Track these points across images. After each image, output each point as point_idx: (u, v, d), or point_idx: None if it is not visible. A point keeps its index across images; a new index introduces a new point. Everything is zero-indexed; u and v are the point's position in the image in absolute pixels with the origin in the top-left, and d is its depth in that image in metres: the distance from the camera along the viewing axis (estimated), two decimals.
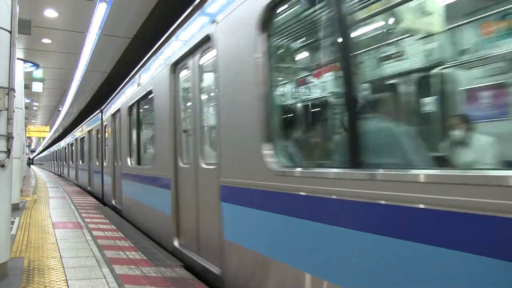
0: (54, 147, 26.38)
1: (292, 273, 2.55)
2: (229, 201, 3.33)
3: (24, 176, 18.74)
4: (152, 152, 6.05)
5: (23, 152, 17.87)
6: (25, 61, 10.76)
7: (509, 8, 2.96)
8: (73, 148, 19.75)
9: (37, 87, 12.87)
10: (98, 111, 11.59)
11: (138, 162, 7.04)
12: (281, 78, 3.25)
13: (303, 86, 3.31)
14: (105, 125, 10.45)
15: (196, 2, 4.05)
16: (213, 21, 3.55)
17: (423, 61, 3.30)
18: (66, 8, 7.47)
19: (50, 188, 16.21)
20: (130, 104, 7.28)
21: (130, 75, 7.35)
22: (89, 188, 13.82)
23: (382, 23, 3.14)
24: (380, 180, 1.92)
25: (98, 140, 11.75)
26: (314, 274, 2.37)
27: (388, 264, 1.86)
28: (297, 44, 3.15)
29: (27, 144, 37.15)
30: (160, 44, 5.38)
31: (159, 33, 5.43)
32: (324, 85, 3.19)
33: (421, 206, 1.71)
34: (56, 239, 5.63)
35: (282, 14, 2.83)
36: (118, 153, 8.55)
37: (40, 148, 64.69)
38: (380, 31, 3.19)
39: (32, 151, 69.67)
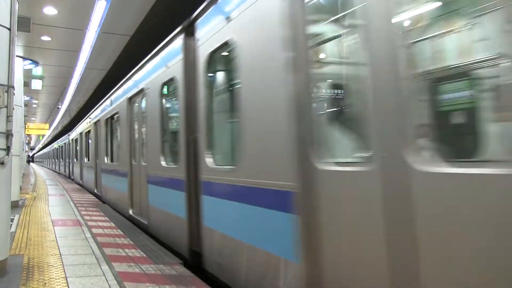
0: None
1: (178, 219, 4.82)
2: (150, 182, 6.09)
3: (23, 174, 18.73)
4: (118, 153, 8.71)
5: (23, 150, 17.86)
6: (24, 58, 10.71)
7: None
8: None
9: (36, 84, 12.82)
10: (86, 117, 14.16)
11: (111, 160, 9.74)
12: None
13: (168, 129, 5.75)
14: (89, 130, 12.94)
15: (135, 69, 7.13)
16: (144, 83, 6.40)
17: None
18: (65, 5, 7.44)
19: (49, 185, 16.21)
20: (106, 118, 9.95)
21: (107, 96, 10.08)
22: (80, 182, 16.18)
23: None
24: None
25: (85, 142, 14.65)
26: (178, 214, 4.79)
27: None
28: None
29: (27, 141, 37.16)
30: (122, 82, 8.24)
31: (159, 30, 5.45)
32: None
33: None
34: (55, 237, 5.65)
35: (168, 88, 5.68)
36: (99, 153, 11.13)
37: (40, 145, 64.61)
38: None
39: (32, 149, 69.61)
